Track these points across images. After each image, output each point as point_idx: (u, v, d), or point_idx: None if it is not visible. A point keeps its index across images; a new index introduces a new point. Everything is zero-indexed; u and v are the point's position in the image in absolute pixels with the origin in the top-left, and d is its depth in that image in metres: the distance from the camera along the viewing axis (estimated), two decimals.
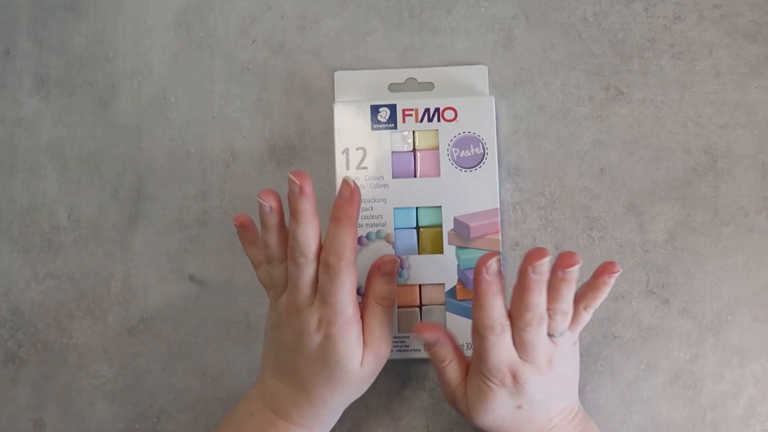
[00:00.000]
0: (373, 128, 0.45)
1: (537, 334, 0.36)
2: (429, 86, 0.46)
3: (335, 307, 0.36)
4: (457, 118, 0.44)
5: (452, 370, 0.39)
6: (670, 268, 0.45)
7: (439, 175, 0.44)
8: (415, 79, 0.47)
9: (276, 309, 0.39)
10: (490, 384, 0.37)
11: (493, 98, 0.45)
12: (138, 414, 0.45)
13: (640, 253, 0.45)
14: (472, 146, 0.44)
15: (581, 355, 0.44)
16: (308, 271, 0.36)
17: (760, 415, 0.44)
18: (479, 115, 0.44)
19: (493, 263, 0.35)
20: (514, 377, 0.36)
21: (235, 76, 0.47)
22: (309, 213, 0.35)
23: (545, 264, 0.34)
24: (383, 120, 0.45)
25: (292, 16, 0.48)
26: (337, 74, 0.46)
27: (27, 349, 0.46)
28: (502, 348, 0.36)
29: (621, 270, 0.37)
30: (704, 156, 0.46)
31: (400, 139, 0.45)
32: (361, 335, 0.38)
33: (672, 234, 0.45)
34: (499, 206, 0.44)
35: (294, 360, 0.38)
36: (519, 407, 0.37)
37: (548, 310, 0.36)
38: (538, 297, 0.35)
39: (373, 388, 0.40)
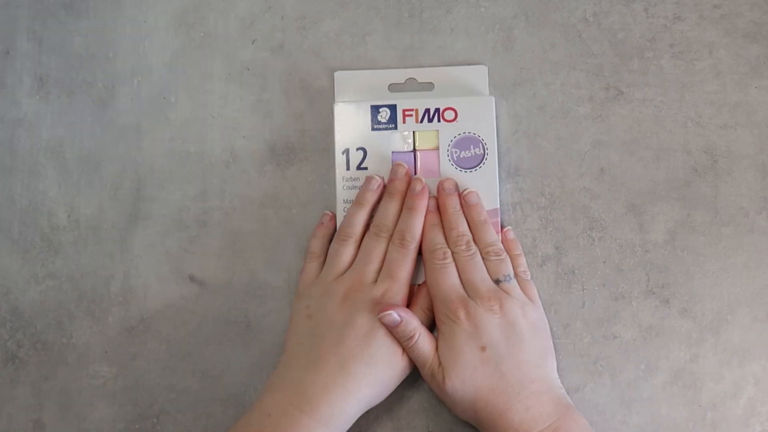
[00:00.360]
0: (373, 128, 0.45)
1: (470, 258, 0.42)
2: (429, 86, 0.46)
3: (401, 280, 0.41)
4: (458, 119, 0.44)
5: (423, 343, 0.40)
6: (670, 268, 0.45)
7: (439, 175, 0.44)
8: (415, 79, 0.47)
9: (316, 297, 0.42)
10: (449, 323, 0.40)
11: (493, 98, 0.45)
12: (138, 414, 0.45)
13: (640, 253, 0.45)
14: (472, 147, 0.44)
15: (581, 355, 0.44)
16: (384, 246, 0.42)
17: (760, 415, 0.44)
18: (479, 115, 0.44)
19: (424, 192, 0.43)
20: (467, 310, 0.40)
21: (235, 76, 0.47)
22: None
23: (451, 180, 0.43)
24: (383, 120, 0.45)
25: (292, 16, 0.48)
26: (337, 74, 0.46)
27: (27, 349, 0.46)
28: (447, 274, 0.41)
29: (509, 227, 0.45)
30: (704, 156, 0.46)
31: (400, 139, 0.45)
32: None
33: (672, 234, 0.45)
34: (499, 206, 0.44)
35: (342, 337, 0.39)
36: (483, 349, 0.39)
37: (481, 251, 0.42)
38: (456, 216, 0.42)
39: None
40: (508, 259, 0.43)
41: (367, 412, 0.45)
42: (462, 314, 0.40)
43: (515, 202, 0.46)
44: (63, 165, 0.47)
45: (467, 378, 0.39)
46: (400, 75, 0.47)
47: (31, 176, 0.47)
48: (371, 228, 0.43)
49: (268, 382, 0.41)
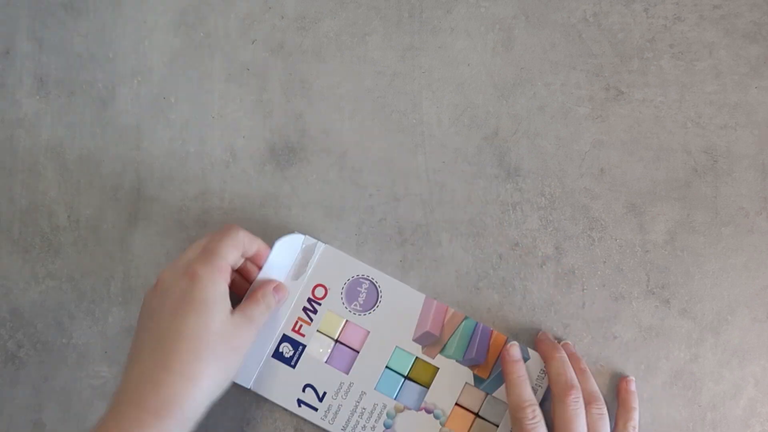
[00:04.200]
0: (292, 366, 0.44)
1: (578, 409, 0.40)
2: None
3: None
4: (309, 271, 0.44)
5: None
6: (670, 268, 0.45)
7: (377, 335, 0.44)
8: None
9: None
10: None
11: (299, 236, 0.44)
12: None
13: (640, 253, 0.45)
14: (359, 288, 0.44)
15: (581, 355, 0.44)
16: None
17: (760, 415, 0.44)
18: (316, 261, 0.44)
19: (513, 348, 0.43)
20: None
21: (235, 76, 0.47)
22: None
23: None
24: (288, 355, 0.44)
25: (292, 16, 0.48)
26: None
27: (27, 349, 0.46)
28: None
29: (634, 379, 0.44)
30: (704, 156, 0.46)
31: (318, 348, 0.44)
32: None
33: (672, 234, 0.45)
34: (424, 296, 0.44)
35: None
36: None
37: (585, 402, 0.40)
38: (563, 366, 0.41)
39: None
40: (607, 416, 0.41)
41: None
42: None
43: (515, 202, 0.46)
44: (63, 165, 0.47)
45: None
46: None
47: (31, 176, 0.47)
48: None
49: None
